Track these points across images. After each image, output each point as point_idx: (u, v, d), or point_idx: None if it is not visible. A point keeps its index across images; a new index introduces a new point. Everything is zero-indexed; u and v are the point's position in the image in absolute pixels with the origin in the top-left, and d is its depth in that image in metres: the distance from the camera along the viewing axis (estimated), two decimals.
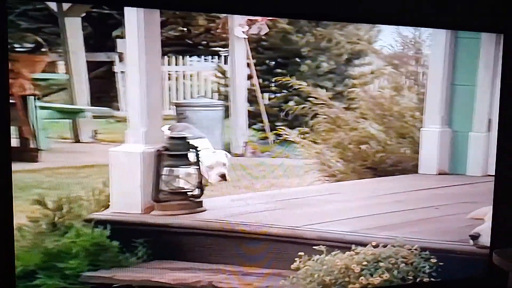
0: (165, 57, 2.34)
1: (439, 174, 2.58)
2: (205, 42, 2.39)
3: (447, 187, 2.53)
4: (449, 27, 2.46)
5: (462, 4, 2.39)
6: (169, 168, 2.23)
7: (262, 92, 2.48)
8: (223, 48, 2.40)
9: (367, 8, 2.28)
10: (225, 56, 2.41)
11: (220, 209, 2.29)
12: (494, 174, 2.46)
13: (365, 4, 2.28)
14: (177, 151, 2.24)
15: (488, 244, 2.29)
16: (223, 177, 2.38)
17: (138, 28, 2.09)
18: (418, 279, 2.23)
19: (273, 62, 2.49)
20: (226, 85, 2.45)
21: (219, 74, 2.45)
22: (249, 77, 2.45)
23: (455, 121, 2.57)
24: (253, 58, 2.41)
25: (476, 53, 2.46)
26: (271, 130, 2.48)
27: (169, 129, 2.33)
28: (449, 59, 2.53)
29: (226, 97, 2.47)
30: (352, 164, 2.53)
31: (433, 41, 2.51)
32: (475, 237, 2.27)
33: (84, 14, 2.13)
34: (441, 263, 2.24)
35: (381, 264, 2.20)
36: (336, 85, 2.55)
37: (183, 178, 2.26)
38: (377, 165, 2.53)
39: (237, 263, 2.20)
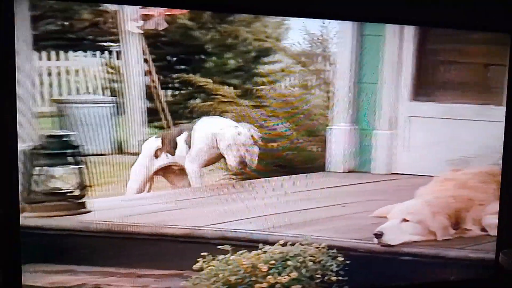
0: (43, 52, 2.13)
1: (346, 172, 2.56)
2: (91, 37, 2.21)
3: (354, 185, 2.52)
4: (455, 27, 2.42)
5: (468, 4, 2.33)
6: (43, 167, 2.04)
7: (163, 88, 2.35)
8: (115, 43, 2.24)
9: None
10: (117, 51, 2.25)
11: (110, 210, 2.12)
12: (501, 173, 2.45)
13: None
14: (54, 150, 2.05)
15: (393, 243, 2.27)
16: (243, 164, 2.18)
17: None
18: (326, 278, 2.17)
19: (175, 58, 2.37)
20: (119, 81, 2.28)
21: (110, 70, 2.28)
22: (148, 73, 2.31)
23: (362, 119, 2.57)
24: (151, 54, 2.27)
25: (380, 50, 2.49)
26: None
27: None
28: (355, 57, 2.53)
29: (119, 94, 2.29)
30: (261, 162, 2.45)
31: (340, 39, 2.51)
32: (378, 235, 2.25)
33: None
34: (348, 261, 2.20)
35: (289, 262, 2.13)
36: (245, 83, 2.48)
37: (60, 178, 2.07)
38: (286, 163, 2.47)
39: (130, 265, 2.05)
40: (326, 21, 2.39)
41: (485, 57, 2.46)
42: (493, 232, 2.37)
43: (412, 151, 2.55)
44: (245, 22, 2.38)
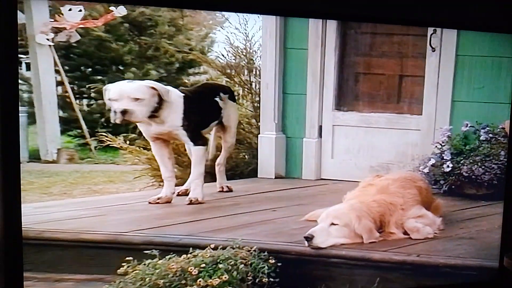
0: None
1: (276, 178, 2.59)
2: None
3: (284, 190, 2.55)
4: (464, 28, 2.50)
5: (475, 5, 2.39)
6: None
7: (77, 98, 2.29)
8: (24, 55, 2.16)
9: None
10: (26, 63, 2.19)
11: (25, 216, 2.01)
12: (506, 176, 2.51)
13: None
14: None
15: (322, 245, 2.29)
16: (124, 114, 2.13)
17: None
18: (257, 280, 2.15)
19: (90, 69, 2.32)
20: (29, 92, 2.21)
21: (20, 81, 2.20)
22: (60, 83, 2.26)
23: (289, 127, 2.63)
24: (63, 65, 2.22)
25: (304, 63, 2.59)
26: (92, 136, 2.30)
27: None
28: (279, 69, 2.61)
29: (30, 104, 2.21)
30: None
31: (264, 52, 2.58)
32: (309, 238, 2.27)
33: None
34: (279, 264, 2.20)
35: (220, 265, 2.09)
36: None
37: None
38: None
39: (46, 270, 1.97)
40: (250, 34, 2.48)
41: (401, 69, 2.62)
42: (415, 235, 2.45)
43: (337, 158, 2.64)
44: (167, 35, 2.39)
